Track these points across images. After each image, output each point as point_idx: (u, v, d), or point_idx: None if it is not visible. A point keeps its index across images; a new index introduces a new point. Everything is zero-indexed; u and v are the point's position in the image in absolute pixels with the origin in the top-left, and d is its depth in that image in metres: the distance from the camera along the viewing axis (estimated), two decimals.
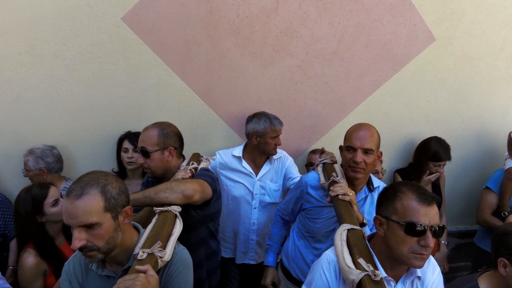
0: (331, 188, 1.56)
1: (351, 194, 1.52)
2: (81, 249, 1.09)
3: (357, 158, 1.56)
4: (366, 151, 1.56)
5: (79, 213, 1.06)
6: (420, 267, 1.17)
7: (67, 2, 2.03)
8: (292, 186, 2.03)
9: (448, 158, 2.52)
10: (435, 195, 1.18)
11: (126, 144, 2.28)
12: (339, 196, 1.50)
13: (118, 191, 1.15)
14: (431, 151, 2.51)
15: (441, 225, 1.14)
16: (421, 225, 1.13)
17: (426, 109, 2.74)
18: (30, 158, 2.12)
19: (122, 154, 2.29)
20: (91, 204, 1.08)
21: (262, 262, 2.41)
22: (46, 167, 2.15)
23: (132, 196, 1.36)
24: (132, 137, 2.26)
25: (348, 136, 1.63)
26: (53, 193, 1.81)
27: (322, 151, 2.39)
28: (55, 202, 1.78)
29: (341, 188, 1.53)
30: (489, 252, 2.39)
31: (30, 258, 1.71)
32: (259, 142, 2.23)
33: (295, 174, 2.32)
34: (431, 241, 1.12)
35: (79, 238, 1.07)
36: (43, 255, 1.73)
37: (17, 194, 1.83)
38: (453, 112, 2.79)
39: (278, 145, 2.27)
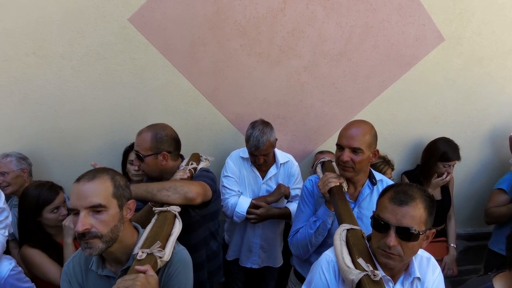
0: (322, 182, 1.60)
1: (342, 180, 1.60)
2: (83, 235, 1.09)
3: (343, 157, 1.55)
4: (354, 150, 1.54)
5: (89, 193, 1.10)
6: (387, 264, 1.17)
7: (74, 3, 2.03)
8: (299, 202, 1.88)
9: (458, 157, 2.49)
10: (415, 197, 1.13)
11: (132, 157, 2.24)
12: (332, 183, 1.57)
13: (124, 183, 1.21)
14: (440, 151, 2.48)
15: (404, 226, 1.11)
16: (384, 221, 1.13)
17: (435, 110, 2.71)
18: (12, 158, 2.10)
19: (128, 166, 2.27)
20: (102, 187, 1.13)
21: (266, 267, 2.40)
22: (28, 168, 2.15)
23: (134, 190, 1.37)
24: None
25: (340, 133, 1.61)
26: (58, 200, 1.80)
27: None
28: (55, 209, 1.78)
29: (330, 178, 1.59)
30: (502, 255, 2.40)
31: (28, 248, 1.76)
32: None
33: (297, 186, 2.30)
34: (391, 240, 1.11)
35: (84, 222, 1.08)
36: (42, 249, 1.76)
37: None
38: (462, 113, 2.75)
39: (258, 164, 2.18)
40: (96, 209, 1.10)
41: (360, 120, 1.65)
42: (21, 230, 1.82)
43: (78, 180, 1.13)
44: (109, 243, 1.14)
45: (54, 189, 1.82)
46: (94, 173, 1.15)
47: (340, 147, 1.58)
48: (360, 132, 1.56)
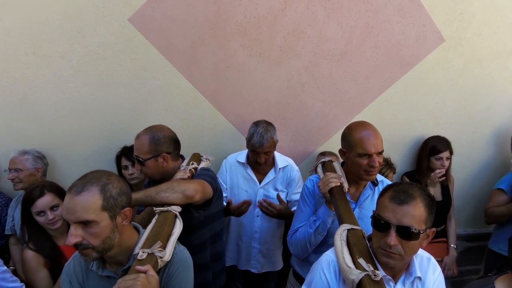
0: (322, 182, 1.61)
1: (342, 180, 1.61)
2: (76, 246, 1.10)
3: (376, 163, 1.55)
4: (379, 153, 1.58)
5: (76, 209, 1.07)
6: (388, 264, 1.17)
7: (74, 3, 2.02)
8: (299, 201, 1.87)
9: (447, 149, 2.53)
10: (415, 197, 1.14)
11: (125, 162, 2.27)
12: (333, 183, 1.57)
13: (118, 191, 1.16)
14: (429, 146, 2.57)
15: (404, 225, 1.11)
16: (384, 221, 1.14)
17: (435, 111, 2.70)
18: (29, 157, 2.12)
19: (123, 171, 2.28)
20: (89, 202, 1.09)
21: (265, 272, 2.38)
22: (42, 167, 2.16)
23: (134, 196, 1.36)
24: (128, 152, 2.24)
25: (359, 142, 1.57)
26: (41, 204, 1.71)
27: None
28: (42, 213, 1.72)
29: (330, 178, 1.59)
30: (501, 255, 2.40)
31: (28, 251, 1.73)
32: (248, 151, 2.19)
33: (299, 191, 2.25)
34: (391, 239, 1.11)
35: (75, 234, 1.08)
36: (39, 251, 1.73)
37: None
38: (462, 114, 2.75)
39: (259, 163, 2.13)
40: (85, 223, 1.09)
41: (365, 122, 1.65)
42: (23, 229, 1.79)
43: (69, 190, 1.10)
44: (103, 252, 1.14)
45: (40, 190, 1.73)
46: (83, 184, 1.10)
47: (367, 155, 1.56)
48: (377, 134, 1.59)
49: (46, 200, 1.72)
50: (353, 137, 1.59)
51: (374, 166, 1.56)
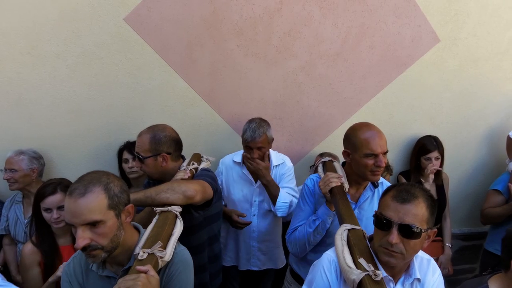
0: (323, 182, 1.61)
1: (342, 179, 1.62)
2: (84, 248, 1.09)
3: (382, 163, 1.56)
4: (385, 153, 1.59)
5: (82, 211, 1.07)
6: (389, 263, 1.17)
7: (69, 3, 2.02)
8: (298, 200, 1.87)
9: (437, 149, 2.53)
10: (418, 196, 1.15)
11: (126, 155, 2.28)
12: (334, 183, 1.58)
13: (120, 189, 1.17)
14: (419, 146, 2.59)
15: (406, 224, 1.12)
16: (386, 219, 1.15)
17: (431, 110, 2.72)
18: (24, 157, 2.11)
19: (123, 165, 2.29)
20: (95, 202, 1.09)
21: (265, 269, 2.38)
22: (38, 168, 2.15)
23: (133, 196, 1.36)
24: (131, 147, 2.24)
25: (364, 143, 1.57)
26: (50, 201, 1.72)
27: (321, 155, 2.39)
28: (49, 210, 1.72)
29: (331, 178, 1.59)
30: (497, 255, 2.41)
31: (28, 245, 1.73)
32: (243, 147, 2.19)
33: (287, 185, 2.23)
34: (393, 237, 1.12)
35: (83, 237, 1.07)
36: (39, 246, 1.73)
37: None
38: (458, 114, 2.77)
39: (252, 159, 2.11)
40: (93, 224, 1.09)
41: (368, 123, 1.65)
42: (32, 221, 1.78)
43: (70, 194, 1.09)
44: (111, 251, 1.14)
45: (53, 188, 1.75)
46: (85, 186, 1.10)
47: (373, 155, 1.57)
48: (381, 134, 1.60)
49: (56, 198, 1.73)
50: (358, 138, 1.59)
51: (380, 166, 1.57)
